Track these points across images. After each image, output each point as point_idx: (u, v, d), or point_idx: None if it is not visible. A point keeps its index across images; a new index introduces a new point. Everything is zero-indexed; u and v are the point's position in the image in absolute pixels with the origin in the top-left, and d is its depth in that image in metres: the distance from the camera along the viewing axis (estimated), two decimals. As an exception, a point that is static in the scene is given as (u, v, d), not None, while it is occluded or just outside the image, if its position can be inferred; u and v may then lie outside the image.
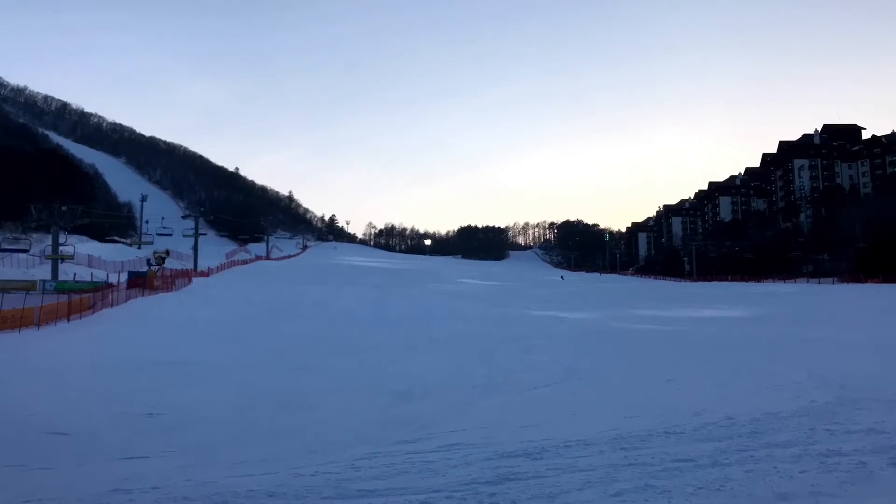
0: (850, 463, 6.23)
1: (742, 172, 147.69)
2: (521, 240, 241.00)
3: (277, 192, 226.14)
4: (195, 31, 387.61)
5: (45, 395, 13.34)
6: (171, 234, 67.35)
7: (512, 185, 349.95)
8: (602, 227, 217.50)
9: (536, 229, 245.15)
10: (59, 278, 45.89)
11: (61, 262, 48.50)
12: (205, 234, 76.69)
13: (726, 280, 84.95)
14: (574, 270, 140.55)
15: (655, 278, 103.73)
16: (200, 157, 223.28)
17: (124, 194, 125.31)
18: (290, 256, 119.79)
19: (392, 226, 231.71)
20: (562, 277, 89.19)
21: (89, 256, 60.68)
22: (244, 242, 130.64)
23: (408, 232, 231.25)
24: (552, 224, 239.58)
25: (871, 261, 70.04)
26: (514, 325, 29.58)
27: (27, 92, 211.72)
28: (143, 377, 16.05)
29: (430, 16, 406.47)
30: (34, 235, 57.96)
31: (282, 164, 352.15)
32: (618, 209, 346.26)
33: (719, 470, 6.18)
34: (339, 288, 52.47)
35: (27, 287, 39.93)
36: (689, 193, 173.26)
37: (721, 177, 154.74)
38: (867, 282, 63.67)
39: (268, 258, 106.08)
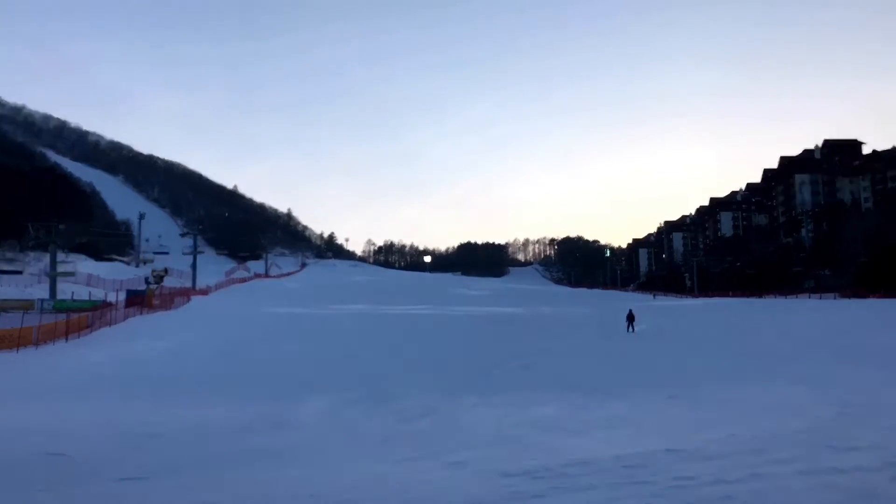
0: (853, 479, 6.19)
1: (743, 188, 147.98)
2: (521, 256, 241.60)
3: (276, 210, 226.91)
4: (195, 53, 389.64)
5: (44, 416, 13.28)
6: (168, 253, 67.36)
7: (512, 202, 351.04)
8: (602, 243, 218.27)
9: (537, 245, 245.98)
10: (58, 297, 45.81)
11: (63, 281, 48.14)
12: (203, 252, 76.50)
13: (727, 296, 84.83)
14: (574, 287, 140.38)
15: (656, 295, 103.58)
16: (199, 174, 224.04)
17: (122, 212, 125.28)
18: (288, 274, 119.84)
19: (391, 243, 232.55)
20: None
21: (88, 275, 60.57)
22: (243, 260, 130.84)
23: (407, 248, 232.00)
24: (552, 240, 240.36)
25: (872, 276, 69.93)
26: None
27: (25, 111, 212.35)
28: (142, 396, 15.98)
29: (429, 37, 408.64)
30: (32, 254, 57.99)
31: (281, 182, 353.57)
32: (618, 225, 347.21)
33: (722, 487, 6.12)
34: (337, 306, 52.41)
35: (25, 306, 39.83)
36: (690, 209, 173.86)
37: (722, 192, 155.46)
38: (869, 297, 63.53)
39: (267, 276, 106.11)
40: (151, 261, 67.22)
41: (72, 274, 48.89)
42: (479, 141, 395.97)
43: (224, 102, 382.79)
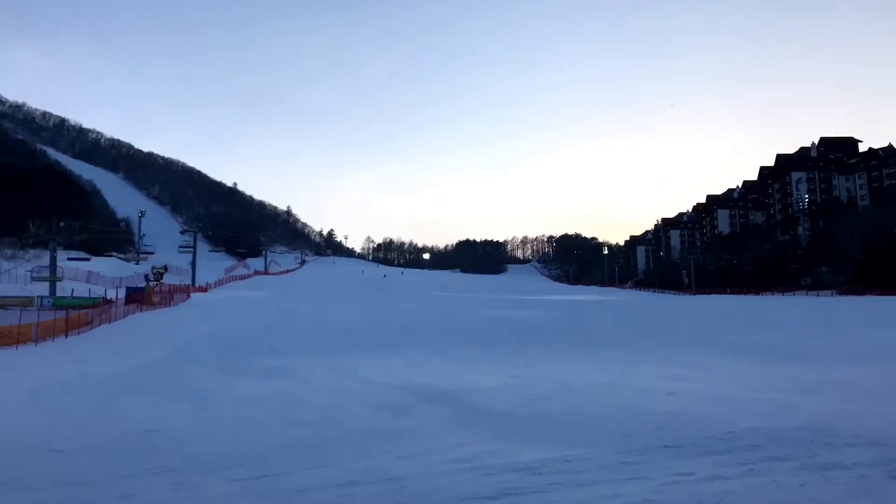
0: (850, 476, 6.23)
1: (740, 185, 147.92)
2: (519, 253, 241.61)
3: (276, 207, 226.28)
4: (194, 47, 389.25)
5: (42, 412, 13.31)
6: (153, 252, 67.61)
7: (510, 199, 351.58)
8: (600, 240, 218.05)
9: (535, 243, 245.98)
10: (57, 294, 45.73)
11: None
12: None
13: (725, 293, 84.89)
14: (573, 284, 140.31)
15: (654, 292, 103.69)
16: (199, 172, 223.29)
17: (122, 210, 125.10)
18: (288, 271, 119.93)
19: (390, 240, 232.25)
20: None
21: (87, 272, 60.46)
22: (243, 257, 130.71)
23: (406, 246, 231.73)
24: (550, 238, 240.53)
25: (869, 273, 70.06)
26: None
27: (25, 108, 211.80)
28: (141, 393, 16.00)
29: (428, 30, 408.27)
30: (31, 251, 57.90)
31: (280, 179, 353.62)
32: (616, 223, 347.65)
33: (719, 483, 6.17)
34: (337, 301, 52.34)
35: (25, 303, 39.80)
36: (688, 207, 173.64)
37: (719, 190, 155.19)
38: (865, 294, 63.67)
39: (266, 273, 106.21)
40: (144, 258, 67.78)
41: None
42: (479, 141, 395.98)
43: (224, 100, 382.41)
